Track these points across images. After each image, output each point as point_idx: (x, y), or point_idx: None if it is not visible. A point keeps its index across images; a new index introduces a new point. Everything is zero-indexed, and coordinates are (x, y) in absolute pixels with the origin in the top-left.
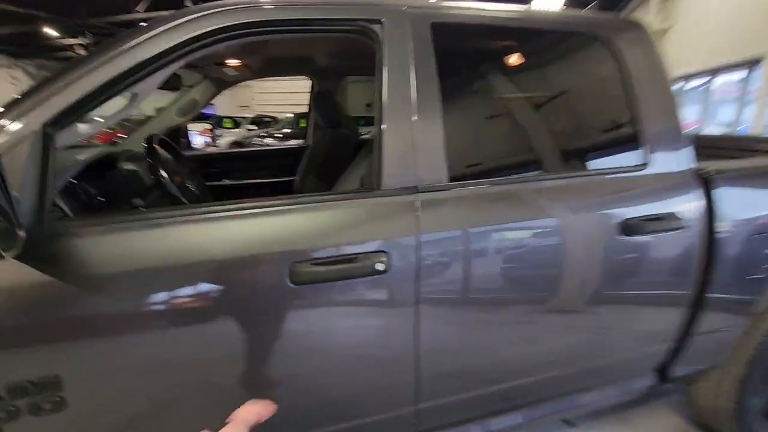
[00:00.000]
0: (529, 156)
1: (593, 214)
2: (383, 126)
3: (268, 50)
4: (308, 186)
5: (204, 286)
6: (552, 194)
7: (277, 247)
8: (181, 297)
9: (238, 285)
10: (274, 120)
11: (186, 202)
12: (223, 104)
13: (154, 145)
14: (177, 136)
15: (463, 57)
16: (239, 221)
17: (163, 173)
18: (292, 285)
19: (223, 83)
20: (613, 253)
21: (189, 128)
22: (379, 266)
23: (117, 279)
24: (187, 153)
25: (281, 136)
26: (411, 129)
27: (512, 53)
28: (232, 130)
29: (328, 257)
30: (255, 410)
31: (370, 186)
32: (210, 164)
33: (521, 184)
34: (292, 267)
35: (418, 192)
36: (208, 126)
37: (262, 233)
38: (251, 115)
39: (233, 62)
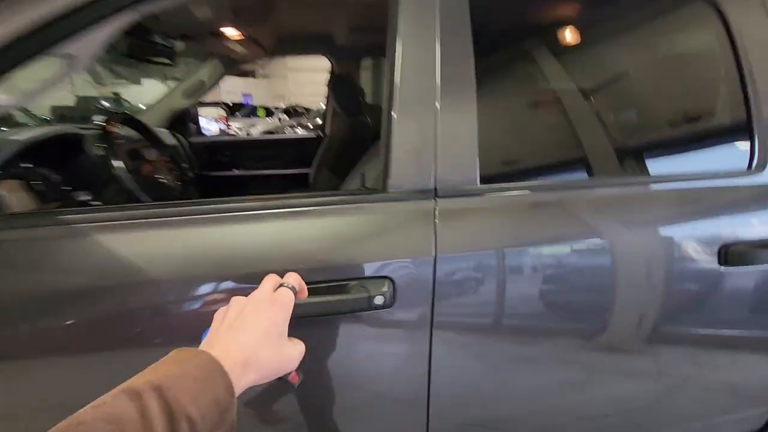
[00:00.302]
0: (588, 154)
1: (680, 235)
2: (393, 113)
3: (279, 25)
4: (321, 180)
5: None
6: (621, 205)
7: (231, 268)
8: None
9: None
10: (307, 110)
11: (144, 199)
12: (260, 94)
13: (110, 127)
14: (185, 121)
15: (511, 25)
16: (181, 229)
17: (116, 162)
18: None
19: (231, 62)
20: (706, 288)
21: (201, 113)
22: (379, 300)
23: None
24: (194, 140)
25: (312, 126)
26: (433, 118)
27: (577, 21)
28: (265, 119)
29: (317, 281)
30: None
31: (373, 187)
32: (219, 152)
33: (578, 191)
34: None
35: (437, 197)
36: (222, 112)
37: (218, 246)
38: (284, 105)
39: (240, 37)
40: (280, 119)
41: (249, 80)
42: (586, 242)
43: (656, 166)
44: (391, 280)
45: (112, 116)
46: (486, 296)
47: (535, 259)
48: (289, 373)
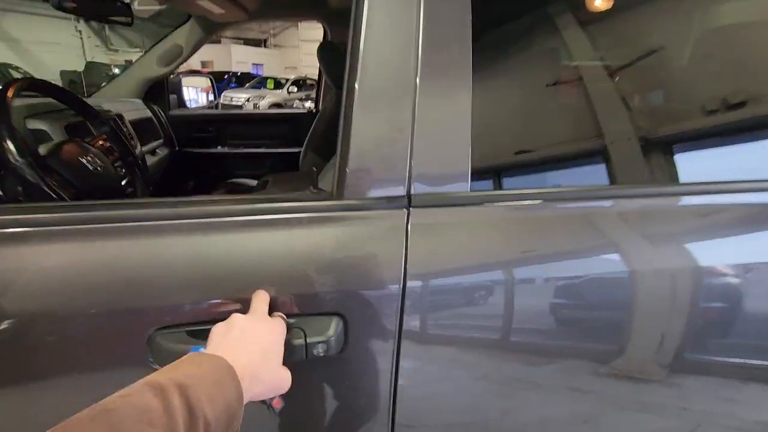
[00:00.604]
0: (617, 153)
1: (716, 254)
2: (356, 95)
3: None
4: (306, 162)
5: None
6: (660, 221)
7: (120, 298)
8: None
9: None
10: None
11: (50, 193)
12: (271, 65)
13: (7, 94)
14: (162, 92)
15: None
16: (28, 246)
17: (8, 143)
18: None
19: (210, 25)
20: (742, 314)
21: (184, 83)
22: (319, 349)
23: None
24: (174, 113)
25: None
26: (410, 100)
27: None
28: (273, 91)
29: (217, 321)
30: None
31: (324, 191)
32: (203, 128)
33: (601, 203)
34: (156, 337)
35: (411, 206)
36: (207, 83)
37: (96, 265)
38: (294, 77)
39: None
40: (289, 91)
41: (261, 50)
42: (606, 265)
43: (713, 168)
44: (342, 317)
45: (13, 82)
46: (470, 341)
47: (541, 295)
48: (274, 398)
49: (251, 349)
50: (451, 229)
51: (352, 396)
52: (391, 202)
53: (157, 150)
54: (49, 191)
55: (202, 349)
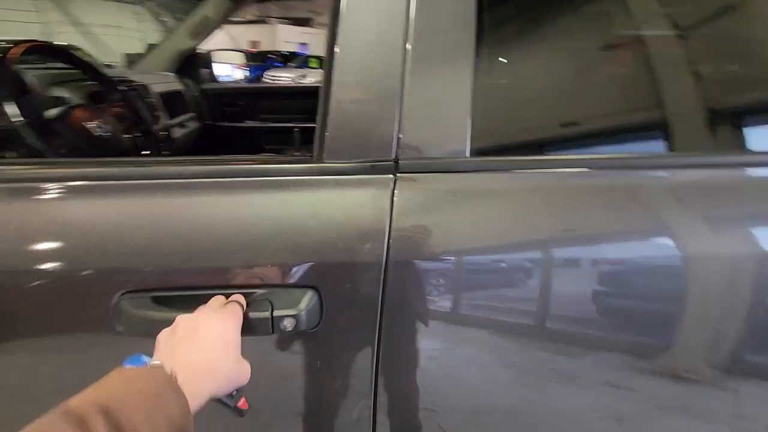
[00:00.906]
0: (657, 114)
1: None
2: (337, 45)
3: None
4: None
5: None
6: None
7: (86, 259)
8: None
9: None
10: None
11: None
12: (316, 43)
13: (11, 55)
14: (193, 65)
15: None
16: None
17: (8, 106)
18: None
19: None
20: None
21: (215, 58)
22: (287, 323)
23: None
24: (207, 87)
25: None
26: (399, 49)
27: None
28: (316, 70)
29: (183, 288)
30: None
31: (302, 155)
32: (233, 102)
33: (635, 173)
34: (119, 303)
35: (398, 172)
36: (241, 58)
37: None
38: None
39: None
40: None
41: (307, 30)
42: (648, 248)
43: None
44: (317, 291)
45: (16, 45)
46: (465, 320)
47: (546, 274)
48: (239, 400)
49: (200, 345)
50: (446, 195)
51: (329, 377)
52: (375, 166)
53: (186, 123)
54: (45, 153)
55: (144, 358)
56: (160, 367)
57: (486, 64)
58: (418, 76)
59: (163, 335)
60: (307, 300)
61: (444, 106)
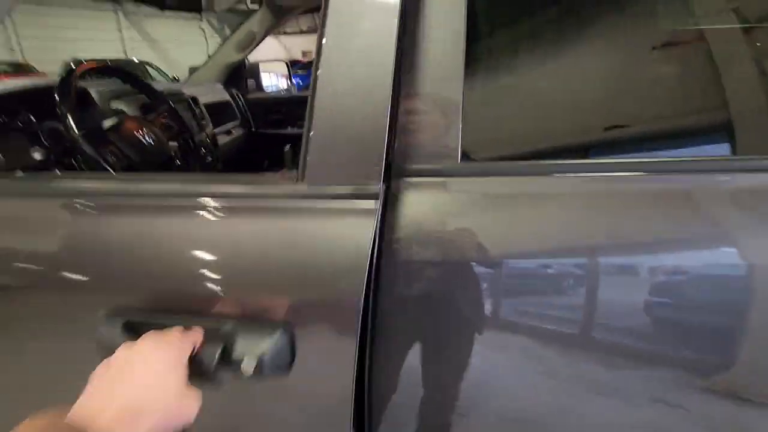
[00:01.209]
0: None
1: None
2: (324, 39)
3: None
4: None
5: None
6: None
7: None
8: None
9: None
10: None
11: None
12: None
13: (66, 75)
14: (240, 76)
15: None
16: None
17: (70, 120)
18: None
19: (281, 10)
20: None
21: (262, 69)
22: (247, 365)
23: None
24: (251, 96)
25: None
26: (388, 76)
27: None
28: None
29: (149, 311)
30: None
31: (289, 174)
32: (276, 110)
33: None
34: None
35: (388, 190)
36: (285, 68)
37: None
38: None
39: None
40: None
41: None
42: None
43: None
44: (287, 329)
45: (80, 67)
46: (452, 360)
47: (548, 287)
48: None
49: (133, 382)
50: (432, 205)
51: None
52: (360, 190)
53: (232, 130)
54: (102, 161)
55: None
56: (69, 419)
57: (476, 74)
58: (408, 94)
59: (99, 370)
60: (276, 339)
61: (436, 125)
